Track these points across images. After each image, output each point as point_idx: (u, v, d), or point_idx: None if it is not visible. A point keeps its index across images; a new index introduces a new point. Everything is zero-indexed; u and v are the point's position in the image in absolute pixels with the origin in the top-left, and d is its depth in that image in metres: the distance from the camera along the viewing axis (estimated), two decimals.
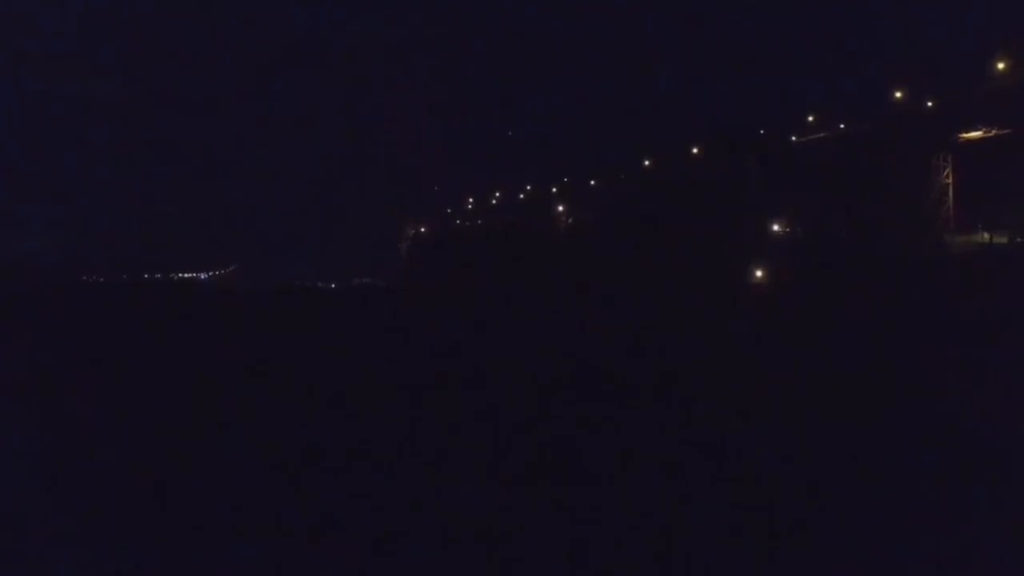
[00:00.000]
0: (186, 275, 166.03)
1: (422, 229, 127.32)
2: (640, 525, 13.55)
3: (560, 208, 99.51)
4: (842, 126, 71.68)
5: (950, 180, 64.34)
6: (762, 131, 79.81)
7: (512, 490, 15.58)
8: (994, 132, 59.88)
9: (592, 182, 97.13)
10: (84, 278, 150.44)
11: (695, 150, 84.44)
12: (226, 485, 16.41)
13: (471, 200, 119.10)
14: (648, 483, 15.94)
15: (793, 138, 74.90)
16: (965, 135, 61.91)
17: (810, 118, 73.76)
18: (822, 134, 72.55)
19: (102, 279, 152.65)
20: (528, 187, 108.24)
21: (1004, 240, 60.22)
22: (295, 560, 12.49)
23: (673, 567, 12.12)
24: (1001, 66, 59.58)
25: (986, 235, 61.63)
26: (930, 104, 64.70)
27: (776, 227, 73.40)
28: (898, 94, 67.19)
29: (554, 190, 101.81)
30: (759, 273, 69.31)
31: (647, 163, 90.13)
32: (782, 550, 12.45)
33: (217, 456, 18.92)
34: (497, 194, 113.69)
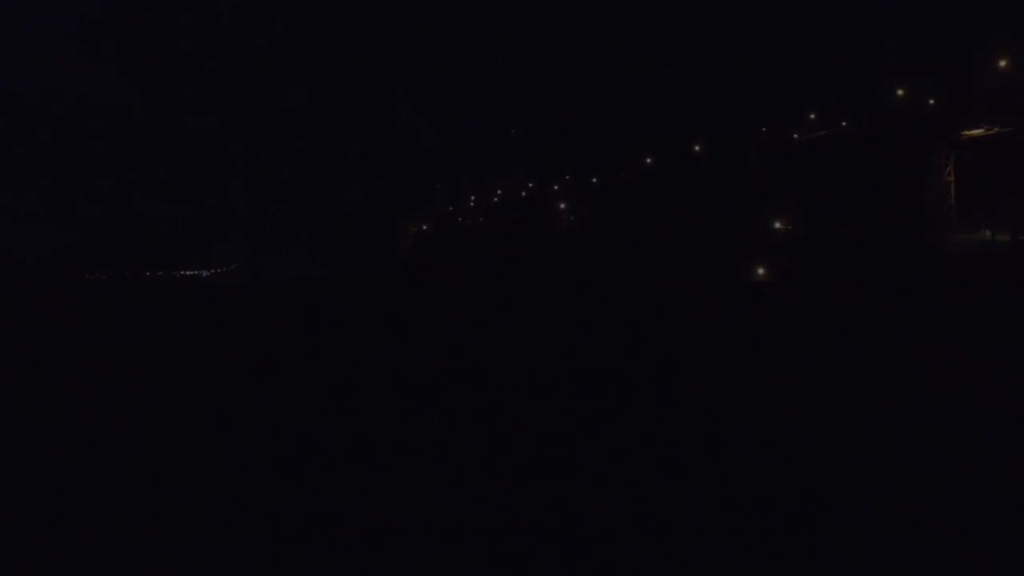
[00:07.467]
0: (188, 273, 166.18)
1: (423, 227, 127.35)
2: (638, 524, 13.53)
3: (562, 205, 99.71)
4: (843, 123, 71.75)
5: (952, 177, 64.25)
6: (763, 128, 79.91)
7: (509, 488, 15.56)
8: (996, 129, 59.80)
9: (593, 179, 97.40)
10: (87, 276, 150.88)
11: (696, 147, 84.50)
12: (226, 483, 16.41)
13: (472, 197, 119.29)
14: (646, 481, 15.92)
15: (795, 135, 74.97)
16: (967, 132, 61.83)
17: (811, 115, 73.83)
18: (823, 131, 72.66)
19: (104, 276, 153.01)
20: (530, 184, 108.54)
21: (1006, 238, 60.13)
22: (295, 559, 12.48)
23: (672, 567, 12.09)
24: (1003, 63, 59.43)
25: (988, 232, 61.55)
26: (932, 101, 64.60)
27: (777, 224, 73.43)
28: (900, 91, 67.13)
29: (555, 187, 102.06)
30: (760, 271, 69.23)
31: (648, 160, 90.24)
32: (781, 549, 12.43)
33: (217, 455, 18.92)
34: (499, 191, 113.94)
